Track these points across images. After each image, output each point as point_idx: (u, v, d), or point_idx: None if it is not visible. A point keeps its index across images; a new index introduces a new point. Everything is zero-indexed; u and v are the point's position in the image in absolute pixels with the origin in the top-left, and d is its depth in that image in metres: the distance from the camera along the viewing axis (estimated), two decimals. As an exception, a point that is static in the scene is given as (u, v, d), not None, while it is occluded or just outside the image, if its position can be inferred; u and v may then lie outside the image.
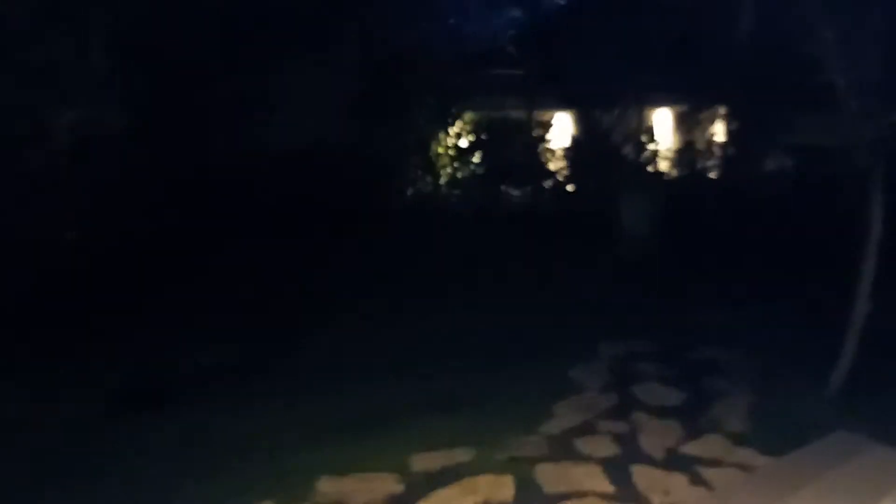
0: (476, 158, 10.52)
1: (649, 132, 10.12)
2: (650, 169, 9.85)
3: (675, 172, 9.94)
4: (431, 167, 10.60)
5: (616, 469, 3.94)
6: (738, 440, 4.27)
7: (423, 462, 4.04)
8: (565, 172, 10.22)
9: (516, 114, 10.79)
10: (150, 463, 4.11)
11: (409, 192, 10.36)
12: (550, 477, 3.87)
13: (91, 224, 6.64)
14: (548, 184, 10.22)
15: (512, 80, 10.85)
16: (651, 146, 10.02)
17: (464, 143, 10.70)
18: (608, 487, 3.76)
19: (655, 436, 4.38)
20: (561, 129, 10.56)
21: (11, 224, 6.16)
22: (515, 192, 10.44)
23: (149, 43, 7.35)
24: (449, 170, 10.65)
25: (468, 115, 10.72)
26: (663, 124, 10.78)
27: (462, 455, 4.10)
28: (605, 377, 5.22)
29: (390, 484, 3.80)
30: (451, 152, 10.64)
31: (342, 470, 3.92)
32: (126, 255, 6.34)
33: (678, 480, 3.85)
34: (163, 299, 6.35)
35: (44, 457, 4.23)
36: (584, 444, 4.27)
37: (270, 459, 4.08)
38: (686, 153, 9.87)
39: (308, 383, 5.11)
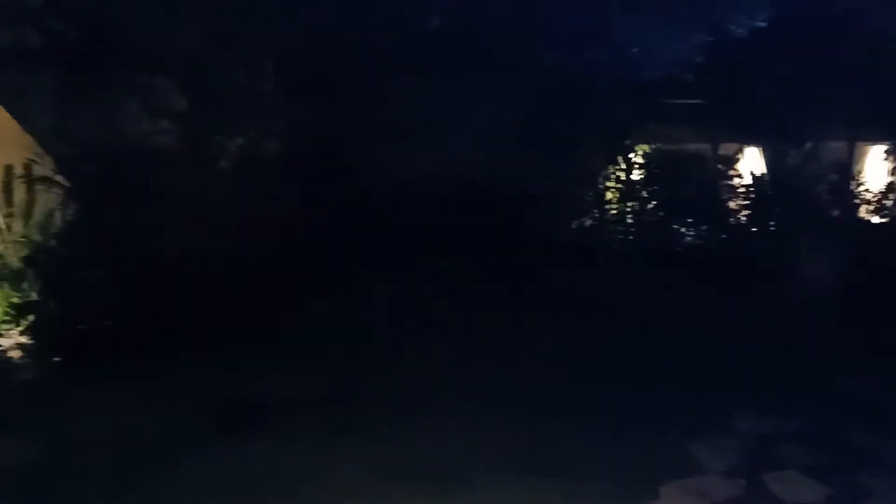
0: (646, 194, 9.87)
1: (846, 170, 8.79)
2: (843, 212, 8.55)
3: (876, 218, 8.52)
4: (598, 202, 10.11)
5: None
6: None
7: (492, 534, 3.77)
8: (746, 212, 9.21)
9: (693, 147, 9.96)
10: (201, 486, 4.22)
11: (572, 227, 9.94)
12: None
13: (239, 243, 7.01)
14: (724, 224, 9.27)
15: (690, 110, 10.04)
16: (847, 186, 8.69)
17: (634, 176, 10.08)
18: None
19: (779, 541, 3.72)
20: (744, 165, 9.55)
21: (162, 238, 6.77)
22: (688, 232, 9.61)
23: (311, 70, 7.82)
24: (617, 205, 10.09)
25: (641, 147, 10.10)
26: (866, 162, 9.34)
27: (536, 533, 3.78)
28: (732, 458, 4.54)
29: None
30: (620, 186, 10.09)
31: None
32: (262, 276, 6.64)
33: None
34: (282, 323, 6.56)
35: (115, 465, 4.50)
36: (685, 540, 3.73)
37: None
38: (892, 196, 8.43)
39: (391, 423, 4.98)
